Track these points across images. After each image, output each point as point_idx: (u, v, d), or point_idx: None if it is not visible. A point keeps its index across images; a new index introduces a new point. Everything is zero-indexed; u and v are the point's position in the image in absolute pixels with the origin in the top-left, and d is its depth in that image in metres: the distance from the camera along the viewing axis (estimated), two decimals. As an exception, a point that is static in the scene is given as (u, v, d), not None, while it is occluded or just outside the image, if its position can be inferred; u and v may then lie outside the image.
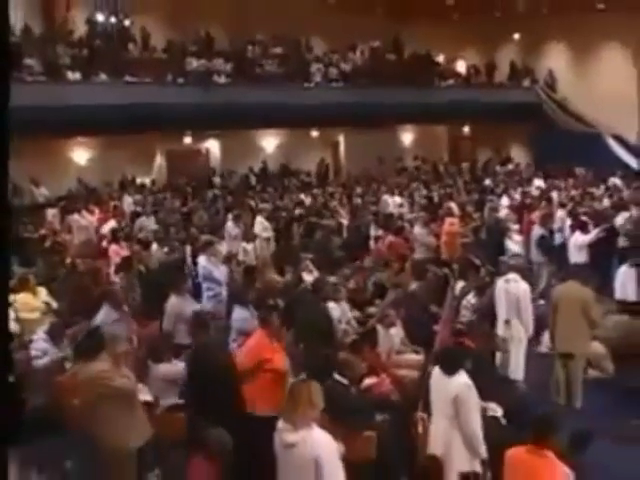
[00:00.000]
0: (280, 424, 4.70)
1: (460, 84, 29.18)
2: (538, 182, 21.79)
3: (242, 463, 5.48)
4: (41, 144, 19.81)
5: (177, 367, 7.22)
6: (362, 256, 13.31)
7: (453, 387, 5.72)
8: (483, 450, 5.64)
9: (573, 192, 19.30)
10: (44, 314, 8.96)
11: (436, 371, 5.99)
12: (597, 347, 9.18)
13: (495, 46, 30.47)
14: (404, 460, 6.08)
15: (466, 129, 32.17)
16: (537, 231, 13.75)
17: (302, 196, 20.23)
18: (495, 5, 26.59)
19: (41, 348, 7.92)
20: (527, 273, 9.74)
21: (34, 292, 9.40)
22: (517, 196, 19.23)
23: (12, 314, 8.68)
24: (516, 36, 30.09)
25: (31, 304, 9.11)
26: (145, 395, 6.85)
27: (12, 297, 8.83)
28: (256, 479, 5.16)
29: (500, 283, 8.85)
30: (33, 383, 7.31)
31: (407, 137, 32.03)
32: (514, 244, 14.77)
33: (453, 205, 17.12)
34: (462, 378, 5.76)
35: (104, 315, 7.98)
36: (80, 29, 21.91)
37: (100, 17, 21.35)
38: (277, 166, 27.31)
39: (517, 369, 8.63)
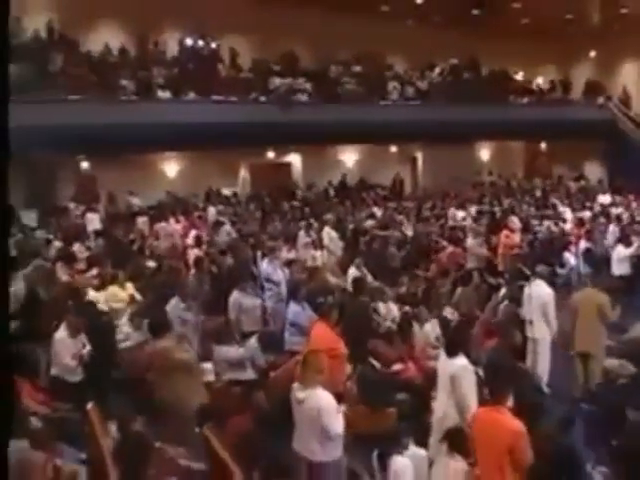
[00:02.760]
0: (295, 385, 5.97)
1: (536, 101, 29.78)
2: (603, 198, 22.38)
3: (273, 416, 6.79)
4: (135, 158, 21.67)
5: (236, 349, 8.58)
6: (427, 265, 14.47)
7: (452, 367, 6.78)
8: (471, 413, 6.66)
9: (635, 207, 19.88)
10: (129, 304, 10.43)
11: (442, 354, 7.12)
12: (613, 362, 10.06)
13: (571, 63, 30.99)
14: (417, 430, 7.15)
15: (543, 145, 32.70)
16: (583, 244, 14.58)
17: (375, 209, 21.36)
18: (571, 23, 27.22)
19: (124, 332, 9.38)
20: (552, 280, 10.67)
21: (122, 286, 10.93)
22: (587, 212, 19.94)
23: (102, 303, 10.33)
24: (592, 54, 30.57)
25: (119, 296, 10.64)
26: (209, 375, 8.25)
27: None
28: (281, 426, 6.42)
29: (527, 289, 9.86)
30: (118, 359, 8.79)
31: (484, 153, 32.79)
32: (571, 256, 15.72)
33: (515, 219, 18.00)
34: (460, 360, 6.79)
35: (173, 304, 9.37)
36: (172, 49, 23.61)
37: (189, 41, 23.02)
38: (356, 180, 28.52)
39: (543, 365, 9.60)
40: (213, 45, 23.58)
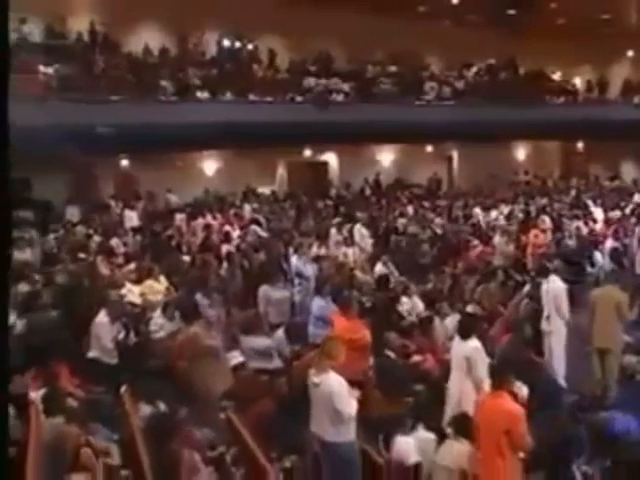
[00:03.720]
0: (311, 370, 6.39)
1: (573, 101, 29.78)
2: (638, 197, 22.42)
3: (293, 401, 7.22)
4: (174, 157, 22.25)
5: (264, 340, 9.02)
6: (454, 263, 14.78)
7: (466, 349, 7.29)
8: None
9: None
10: (165, 296, 10.97)
11: (456, 337, 7.58)
12: (631, 359, 10.32)
13: (608, 63, 30.90)
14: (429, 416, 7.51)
15: (579, 145, 32.70)
16: (610, 243, 14.79)
17: (409, 208, 21.67)
18: (607, 23, 27.24)
19: (158, 323, 9.88)
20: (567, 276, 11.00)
21: (157, 279, 11.46)
22: (617, 211, 20.03)
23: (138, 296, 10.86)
24: (629, 53, 30.49)
25: (155, 288, 11.22)
26: (238, 357, 8.67)
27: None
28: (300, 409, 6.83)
29: (544, 285, 10.18)
30: (152, 348, 9.28)
31: (521, 152, 32.87)
32: (600, 255, 15.91)
33: (546, 218, 18.25)
34: (474, 342, 7.33)
35: (199, 300, 9.85)
36: (211, 50, 24.02)
37: (226, 42, 23.59)
38: (393, 179, 28.83)
39: (558, 359, 9.88)
40: (250, 46, 24.04)
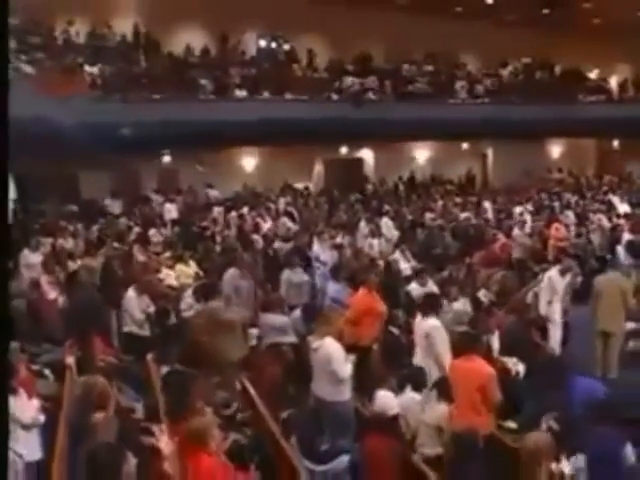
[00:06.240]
0: (310, 337, 7.17)
1: (608, 99, 30.01)
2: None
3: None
4: (214, 153, 23.13)
5: (280, 318, 9.81)
6: (472, 254, 15.44)
7: (426, 326, 8.03)
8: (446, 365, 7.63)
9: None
10: (195, 280, 11.88)
11: (418, 316, 8.34)
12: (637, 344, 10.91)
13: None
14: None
15: (615, 143, 32.89)
16: (626, 237, 15.30)
17: (439, 203, 22.29)
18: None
19: (188, 303, 10.73)
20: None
21: (187, 264, 12.46)
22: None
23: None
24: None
25: (186, 272, 12.22)
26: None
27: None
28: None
29: (547, 273, 10.94)
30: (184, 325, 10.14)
31: (556, 150, 33.15)
32: (621, 248, 16.38)
33: (570, 213, 18.80)
34: (432, 321, 8.05)
35: (230, 275, 10.75)
36: (251, 49, 24.85)
37: (262, 42, 24.44)
38: (427, 176, 29.45)
39: (555, 341, 10.54)
40: (286, 46, 24.82)
